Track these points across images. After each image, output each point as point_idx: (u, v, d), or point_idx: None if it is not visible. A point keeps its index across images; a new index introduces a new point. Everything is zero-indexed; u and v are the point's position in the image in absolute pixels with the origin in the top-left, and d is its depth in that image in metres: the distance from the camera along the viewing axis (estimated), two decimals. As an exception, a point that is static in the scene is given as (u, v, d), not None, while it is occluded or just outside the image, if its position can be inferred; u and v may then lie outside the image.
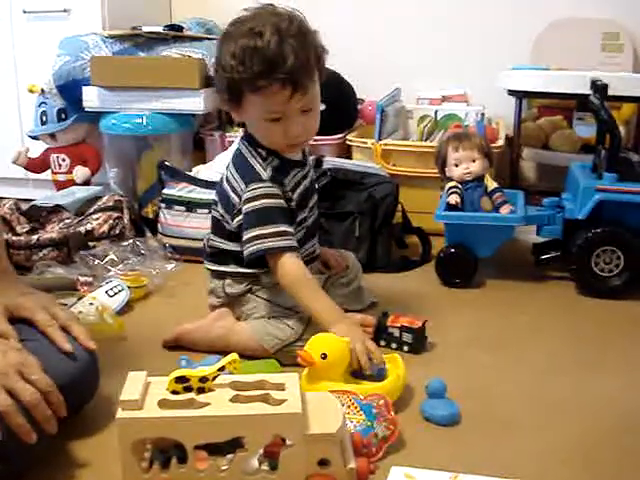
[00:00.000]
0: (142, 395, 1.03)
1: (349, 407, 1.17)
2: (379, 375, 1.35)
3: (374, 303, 1.80)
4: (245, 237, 1.49)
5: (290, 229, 1.49)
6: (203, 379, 1.04)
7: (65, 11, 2.82)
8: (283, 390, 1.05)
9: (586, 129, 2.63)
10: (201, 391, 1.04)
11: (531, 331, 1.69)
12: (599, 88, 1.95)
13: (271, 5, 1.48)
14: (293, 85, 1.39)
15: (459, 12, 2.96)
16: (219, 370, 1.04)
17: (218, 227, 1.60)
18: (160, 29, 2.68)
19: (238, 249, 1.54)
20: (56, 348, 1.19)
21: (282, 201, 1.49)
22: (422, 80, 3.00)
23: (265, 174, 1.50)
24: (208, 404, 1.02)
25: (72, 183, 2.75)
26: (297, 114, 1.45)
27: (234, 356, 1.06)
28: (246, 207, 1.49)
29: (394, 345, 1.55)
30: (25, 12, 2.86)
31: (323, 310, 1.45)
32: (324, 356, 1.27)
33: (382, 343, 1.56)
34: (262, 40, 1.38)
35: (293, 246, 1.48)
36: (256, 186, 1.49)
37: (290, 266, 1.47)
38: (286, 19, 1.42)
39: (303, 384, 1.21)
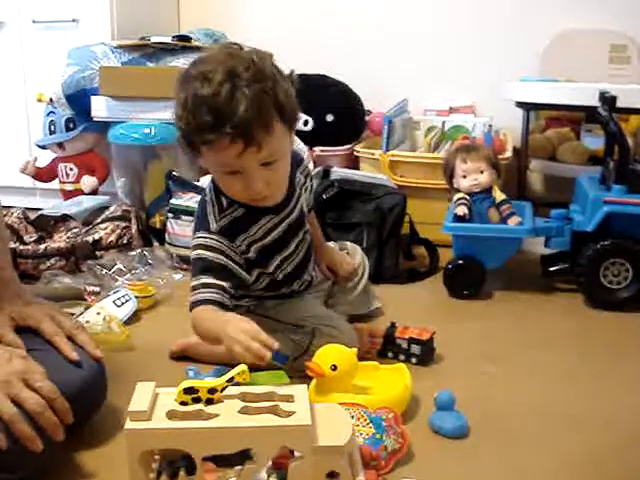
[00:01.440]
0: (150, 406, 1.02)
1: (358, 419, 1.16)
2: (281, 359, 1.22)
3: (379, 309, 1.80)
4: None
5: (215, 281, 1.36)
6: (212, 390, 1.03)
7: (74, 21, 2.83)
8: (292, 402, 1.05)
9: (594, 141, 2.63)
10: (210, 402, 1.03)
11: (539, 343, 1.68)
12: (608, 100, 1.94)
13: (236, 45, 1.34)
14: (244, 140, 1.25)
15: (466, 24, 2.97)
16: (228, 381, 1.04)
17: None
18: (168, 39, 2.69)
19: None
20: (63, 357, 1.19)
21: (220, 256, 1.38)
22: (429, 91, 3.00)
23: (214, 225, 1.40)
24: (217, 415, 1.01)
25: (80, 192, 2.76)
26: (256, 169, 1.31)
27: (243, 367, 1.06)
28: (191, 254, 1.44)
29: (402, 357, 1.55)
30: (34, 22, 2.88)
31: (210, 328, 1.31)
32: (334, 367, 1.27)
33: (390, 355, 1.56)
34: (210, 87, 1.24)
35: (209, 300, 1.35)
36: (200, 235, 1.41)
37: (194, 316, 1.36)
38: (245, 63, 1.26)
39: (312, 395, 1.21)
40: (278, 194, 1.43)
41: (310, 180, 1.60)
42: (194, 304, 1.36)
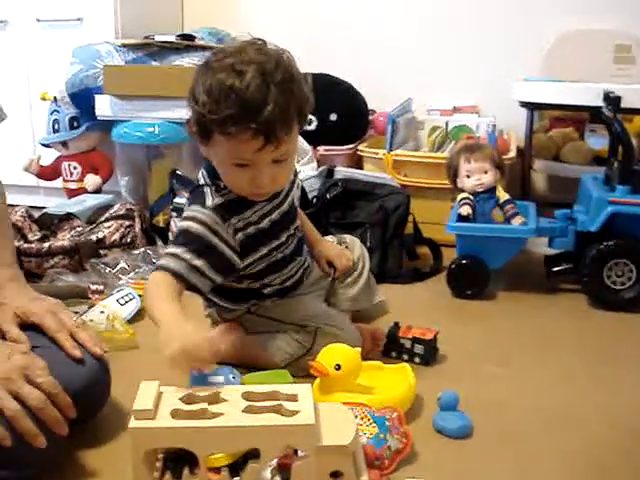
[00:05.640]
0: (155, 405, 1.02)
1: (362, 419, 1.16)
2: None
3: (382, 306, 1.80)
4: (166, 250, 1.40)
5: (200, 264, 1.32)
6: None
7: (78, 20, 2.83)
8: (296, 401, 1.05)
9: (598, 141, 2.63)
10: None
11: (543, 343, 1.68)
12: (612, 100, 1.94)
13: (261, 41, 1.33)
14: (266, 137, 1.26)
15: (470, 24, 2.96)
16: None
17: None
18: (173, 38, 2.69)
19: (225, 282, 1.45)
20: (65, 354, 1.19)
21: (209, 233, 1.35)
22: (433, 91, 3.00)
23: (210, 201, 1.38)
24: (221, 414, 1.01)
25: (83, 191, 2.76)
26: (267, 164, 1.32)
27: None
28: (178, 224, 1.43)
29: (405, 357, 1.55)
30: (39, 20, 2.88)
31: (157, 307, 1.25)
32: (338, 367, 1.27)
33: (393, 354, 1.56)
34: (242, 81, 1.24)
35: (188, 280, 1.32)
36: (194, 208, 1.38)
37: (152, 279, 1.33)
38: (273, 61, 1.27)
39: (315, 395, 1.21)
40: (277, 190, 1.44)
41: (296, 176, 1.59)
42: (160, 268, 1.33)
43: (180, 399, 1.06)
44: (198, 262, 1.33)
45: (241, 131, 1.25)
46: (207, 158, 1.41)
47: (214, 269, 1.35)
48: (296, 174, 1.59)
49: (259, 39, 1.33)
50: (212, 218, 1.36)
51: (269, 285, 1.52)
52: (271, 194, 1.43)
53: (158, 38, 2.68)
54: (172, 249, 1.35)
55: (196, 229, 1.35)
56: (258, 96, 1.23)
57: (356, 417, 1.16)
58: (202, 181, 1.45)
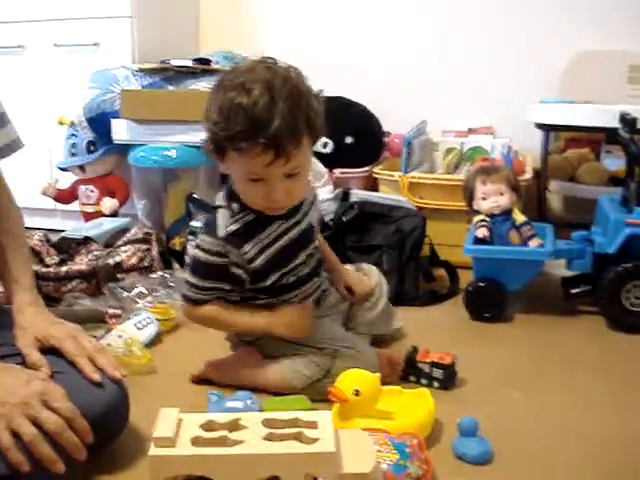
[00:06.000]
0: (175, 432, 1.02)
1: (382, 445, 1.16)
2: None
3: (400, 330, 1.80)
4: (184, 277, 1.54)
5: (217, 285, 1.47)
6: None
7: (95, 45, 2.86)
8: (316, 428, 1.04)
9: (614, 162, 2.62)
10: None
11: (562, 367, 1.66)
12: (628, 122, 1.94)
13: (272, 59, 1.38)
14: (275, 151, 1.30)
15: (485, 45, 2.97)
16: None
17: None
18: (189, 62, 2.71)
19: (240, 297, 1.53)
20: (84, 379, 1.19)
21: (218, 259, 1.43)
22: (448, 112, 3.00)
23: (222, 231, 1.43)
24: (241, 442, 1.01)
25: (100, 214, 2.78)
26: (280, 179, 1.36)
27: None
28: (192, 251, 1.52)
29: (424, 381, 1.54)
30: (56, 45, 2.92)
31: (248, 325, 1.51)
32: (357, 393, 1.26)
33: (412, 379, 1.55)
34: (250, 98, 1.29)
35: (201, 300, 1.48)
36: (204, 238, 1.45)
37: (200, 311, 1.50)
38: (281, 78, 1.32)
39: (334, 421, 1.20)
40: (293, 204, 1.47)
41: (315, 197, 1.62)
42: (191, 300, 1.49)
43: (200, 426, 1.05)
44: (214, 285, 1.47)
45: (251, 146, 1.29)
46: (227, 179, 1.46)
47: (230, 284, 1.48)
48: (315, 196, 1.62)
49: (270, 58, 1.38)
50: (224, 247, 1.43)
51: (287, 302, 1.53)
52: (288, 208, 1.46)
53: (174, 62, 2.70)
54: (190, 278, 1.48)
55: (210, 260, 1.44)
56: (265, 112, 1.28)
57: (375, 443, 1.15)
58: (219, 203, 1.48)
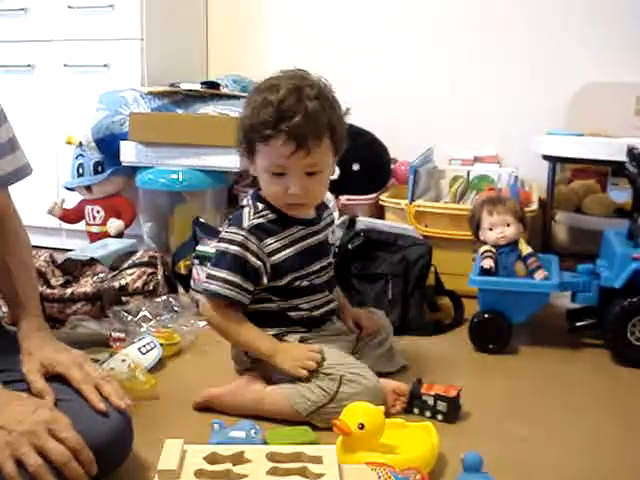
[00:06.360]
0: (179, 464, 1.02)
1: (385, 480, 1.15)
2: None
3: (405, 367, 1.79)
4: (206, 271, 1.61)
5: (237, 280, 1.52)
6: None
7: (105, 66, 2.88)
8: (321, 463, 1.04)
9: (620, 194, 2.62)
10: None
11: (566, 401, 1.66)
12: (636, 156, 1.94)
13: (304, 70, 1.54)
14: (297, 141, 1.44)
15: (492, 74, 2.98)
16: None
17: None
18: (197, 86, 2.73)
19: (252, 308, 1.58)
20: (90, 407, 1.18)
21: (243, 251, 1.52)
22: (454, 141, 3.02)
23: (246, 223, 1.54)
24: (245, 476, 1.01)
25: (106, 235, 2.78)
26: (300, 173, 1.49)
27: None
28: (215, 245, 1.61)
29: (428, 413, 1.53)
30: (66, 66, 2.94)
31: (254, 341, 1.55)
32: (361, 426, 1.25)
33: (416, 411, 1.55)
34: (278, 96, 1.44)
35: (228, 296, 1.53)
36: (230, 230, 1.55)
37: (216, 312, 1.56)
38: (309, 82, 1.49)
39: (338, 454, 1.20)
40: (312, 204, 1.60)
41: (333, 222, 1.74)
42: (210, 293, 1.54)
43: (204, 458, 1.05)
44: (234, 278, 1.52)
45: (275, 135, 1.44)
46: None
47: (249, 280, 1.53)
48: (333, 220, 1.75)
49: (302, 70, 1.54)
50: (247, 238, 1.52)
51: (298, 309, 1.59)
52: (306, 210, 1.59)
53: (183, 86, 2.72)
54: (215, 272, 1.54)
55: (232, 250, 1.52)
56: (291, 107, 1.43)
57: (380, 478, 1.15)
58: (245, 202, 1.61)
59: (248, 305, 1.56)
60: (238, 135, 1.54)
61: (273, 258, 1.54)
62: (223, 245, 1.54)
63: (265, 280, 1.55)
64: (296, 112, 1.43)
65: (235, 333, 1.57)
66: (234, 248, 1.52)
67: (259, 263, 1.53)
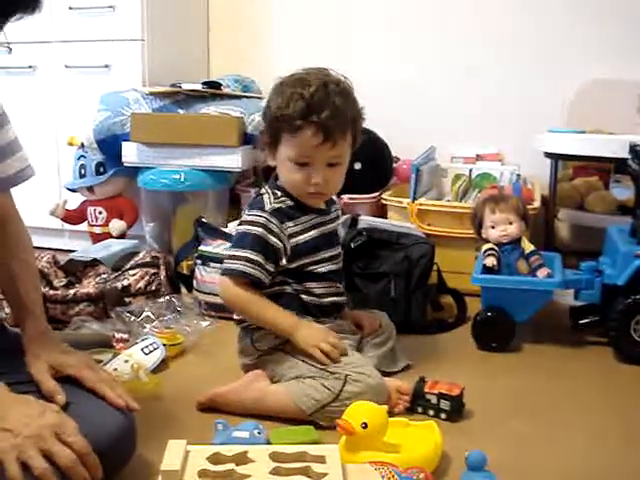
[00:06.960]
0: (182, 465, 1.02)
1: (389, 479, 1.15)
2: None
3: (408, 366, 1.79)
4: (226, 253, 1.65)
5: (260, 259, 1.56)
6: None
7: (106, 67, 2.88)
8: (324, 463, 1.04)
9: (623, 191, 2.62)
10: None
11: (570, 400, 1.65)
12: (638, 153, 1.94)
13: (325, 68, 1.62)
14: (325, 134, 1.52)
15: (494, 72, 2.98)
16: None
17: None
18: (199, 86, 2.73)
19: (266, 291, 1.62)
20: (107, 404, 1.20)
21: (266, 232, 1.57)
22: (456, 139, 3.01)
23: (269, 205, 1.60)
24: (248, 476, 1.01)
25: (108, 236, 2.79)
26: (323, 164, 1.57)
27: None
28: (236, 228, 1.67)
29: (431, 412, 1.53)
30: (67, 67, 2.94)
31: (276, 318, 1.58)
32: (365, 425, 1.25)
33: (419, 409, 1.55)
34: (308, 90, 1.52)
35: (251, 274, 1.56)
36: (252, 212, 1.61)
37: (239, 289, 1.58)
38: (335, 80, 1.57)
39: (341, 453, 1.19)
40: (330, 194, 1.69)
41: (339, 217, 1.80)
42: (232, 272, 1.58)
43: (207, 458, 1.05)
44: (266, 262, 1.57)
45: (306, 125, 1.52)
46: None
47: (270, 261, 1.58)
48: (339, 215, 1.80)
49: (324, 67, 1.62)
50: (269, 220, 1.59)
51: (310, 293, 1.64)
52: (323, 200, 1.67)
53: (185, 86, 2.72)
54: (236, 252, 1.59)
55: (254, 231, 1.58)
56: (320, 101, 1.52)
57: (383, 477, 1.14)
58: (262, 192, 1.66)
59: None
60: (264, 125, 1.63)
61: (292, 240, 1.60)
62: (245, 227, 1.60)
63: (284, 261, 1.60)
64: (325, 106, 1.51)
65: (257, 309, 1.59)
66: (256, 229, 1.58)
67: (280, 244, 1.58)
